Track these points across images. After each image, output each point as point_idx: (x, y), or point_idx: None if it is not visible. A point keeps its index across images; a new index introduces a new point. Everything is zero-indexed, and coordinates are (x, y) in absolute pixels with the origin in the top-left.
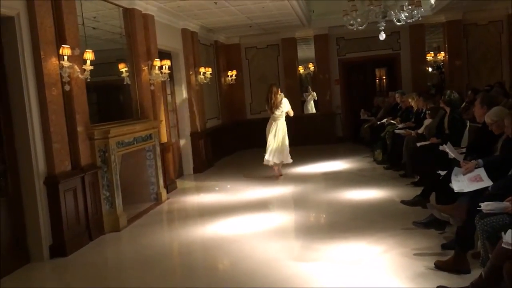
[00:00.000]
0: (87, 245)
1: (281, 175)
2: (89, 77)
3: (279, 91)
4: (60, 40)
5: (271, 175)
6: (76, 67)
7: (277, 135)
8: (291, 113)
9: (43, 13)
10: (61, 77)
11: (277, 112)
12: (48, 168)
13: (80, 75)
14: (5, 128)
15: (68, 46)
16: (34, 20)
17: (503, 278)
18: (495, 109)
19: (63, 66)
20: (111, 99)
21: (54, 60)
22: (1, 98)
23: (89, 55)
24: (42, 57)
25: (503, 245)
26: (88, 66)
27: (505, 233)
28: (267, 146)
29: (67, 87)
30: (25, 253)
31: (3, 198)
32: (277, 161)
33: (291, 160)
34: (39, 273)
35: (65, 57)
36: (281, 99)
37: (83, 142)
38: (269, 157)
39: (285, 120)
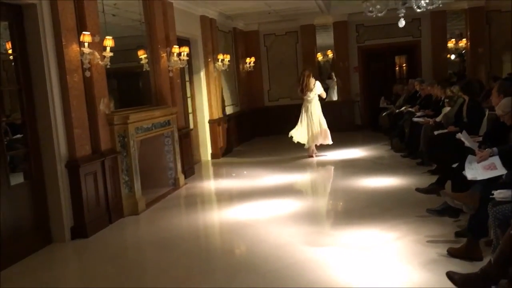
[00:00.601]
0: (107, 227)
1: (313, 155)
2: (109, 64)
3: (311, 75)
4: (81, 27)
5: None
6: (96, 53)
7: (313, 118)
8: (324, 95)
9: (65, 0)
10: (82, 63)
11: (311, 95)
12: (69, 152)
13: (100, 62)
14: (28, 113)
15: (89, 33)
16: (55, 7)
17: None
18: (506, 100)
19: (83, 53)
20: (130, 86)
21: (75, 47)
22: (24, 83)
23: (109, 41)
24: (63, 43)
25: None
26: (108, 53)
27: None
28: (301, 127)
29: (87, 73)
30: (47, 234)
31: (26, 181)
32: (317, 143)
33: (331, 142)
34: (61, 253)
35: (86, 44)
36: (314, 82)
37: (103, 127)
38: (309, 141)
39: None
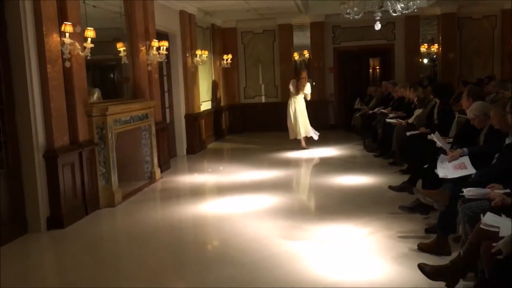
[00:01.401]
0: (83, 218)
1: (306, 147)
2: (89, 55)
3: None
4: (62, 17)
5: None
6: (77, 44)
7: (302, 112)
8: (309, 97)
9: None
10: (62, 53)
11: (302, 94)
12: (47, 142)
13: (80, 52)
14: (7, 102)
15: (70, 23)
16: None
17: (480, 256)
18: (476, 104)
19: (64, 43)
20: (105, 78)
21: (55, 37)
22: (4, 72)
23: (90, 32)
24: (44, 32)
25: (481, 225)
26: (88, 44)
27: (483, 216)
28: (292, 123)
29: (67, 64)
30: (23, 224)
31: (2, 170)
32: (307, 135)
33: (316, 136)
34: (36, 243)
35: (67, 34)
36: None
37: (82, 118)
38: (301, 132)
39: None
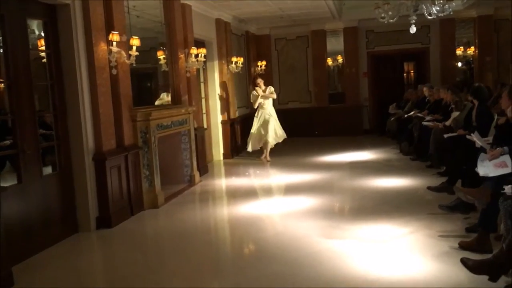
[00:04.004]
0: (129, 219)
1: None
2: (134, 62)
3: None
4: (109, 26)
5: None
6: (123, 52)
7: (273, 116)
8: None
9: (95, 0)
10: (109, 61)
11: (268, 99)
12: (96, 145)
13: (126, 60)
14: (60, 108)
15: (117, 32)
16: (87, 7)
17: None
18: None
19: (111, 51)
20: (144, 86)
21: (103, 46)
22: (56, 79)
23: (135, 41)
24: (93, 42)
25: None
26: (134, 52)
27: None
28: (261, 132)
29: (114, 71)
30: (74, 224)
31: (55, 172)
32: (278, 140)
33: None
34: (87, 242)
35: (114, 43)
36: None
37: (127, 123)
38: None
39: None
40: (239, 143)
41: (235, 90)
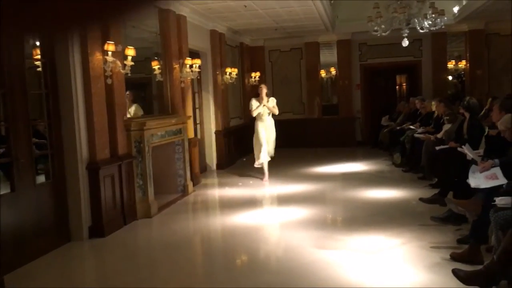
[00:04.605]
0: (122, 228)
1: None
2: (129, 72)
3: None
4: (104, 36)
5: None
6: (118, 62)
7: (272, 131)
8: (276, 111)
9: None
10: (104, 71)
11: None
12: (90, 154)
13: (121, 70)
14: (54, 116)
15: (112, 42)
16: None
17: None
18: (508, 117)
19: (106, 61)
20: (138, 95)
21: (98, 55)
22: (51, 88)
23: (130, 51)
24: (88, 52)
25: None
26: (129, 62)
27: None
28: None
29: (109, 81)
30: (66, 233)
31: (49, 181)
32: (270, 156)
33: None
34: (79, 251)
35: (109, 53)
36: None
37: (121, 132)
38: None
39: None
40: (233, 153)
41: (229, 100)
